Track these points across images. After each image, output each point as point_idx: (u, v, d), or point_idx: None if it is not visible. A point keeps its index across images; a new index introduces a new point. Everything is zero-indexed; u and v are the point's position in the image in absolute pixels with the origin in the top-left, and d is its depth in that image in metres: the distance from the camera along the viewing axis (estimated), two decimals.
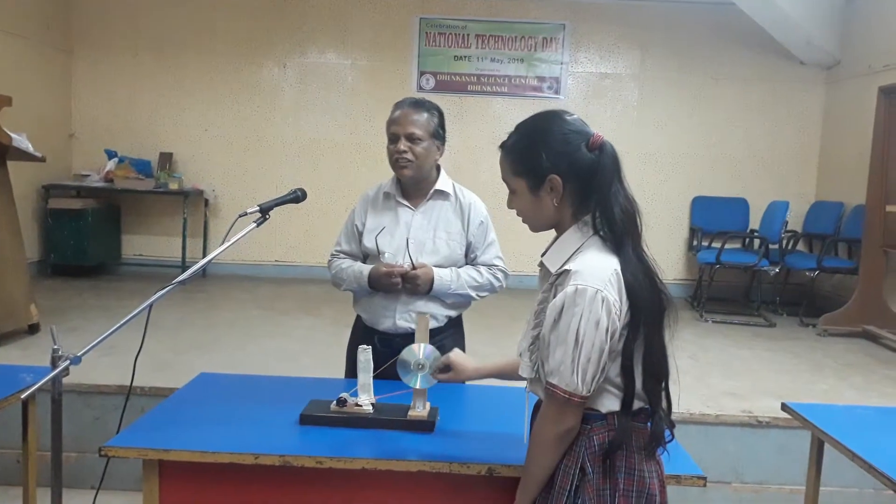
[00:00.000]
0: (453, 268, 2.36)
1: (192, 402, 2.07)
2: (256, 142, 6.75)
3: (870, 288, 5.31)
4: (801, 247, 6.45)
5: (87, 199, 6.27)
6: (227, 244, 1.87)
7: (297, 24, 6.67)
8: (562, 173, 1.47)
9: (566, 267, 1.45)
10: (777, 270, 5.88)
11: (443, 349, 2.37)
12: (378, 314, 2.37)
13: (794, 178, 6.70)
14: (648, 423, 1.49)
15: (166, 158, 6.60)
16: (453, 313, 2.41)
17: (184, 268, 6.05)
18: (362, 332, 2.43)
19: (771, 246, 5.84)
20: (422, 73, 6.68)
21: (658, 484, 1.48)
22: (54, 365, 1.58)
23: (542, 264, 1.55)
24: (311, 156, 6.75)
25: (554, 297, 1.44)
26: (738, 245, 6.48)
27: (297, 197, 2.09)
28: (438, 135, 2.33)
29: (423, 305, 2.32)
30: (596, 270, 1.40)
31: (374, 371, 1.96)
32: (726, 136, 6.73)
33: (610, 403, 1.46)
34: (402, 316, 2.33)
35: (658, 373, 1.45)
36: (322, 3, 6.66)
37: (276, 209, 1.98)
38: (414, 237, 2.34)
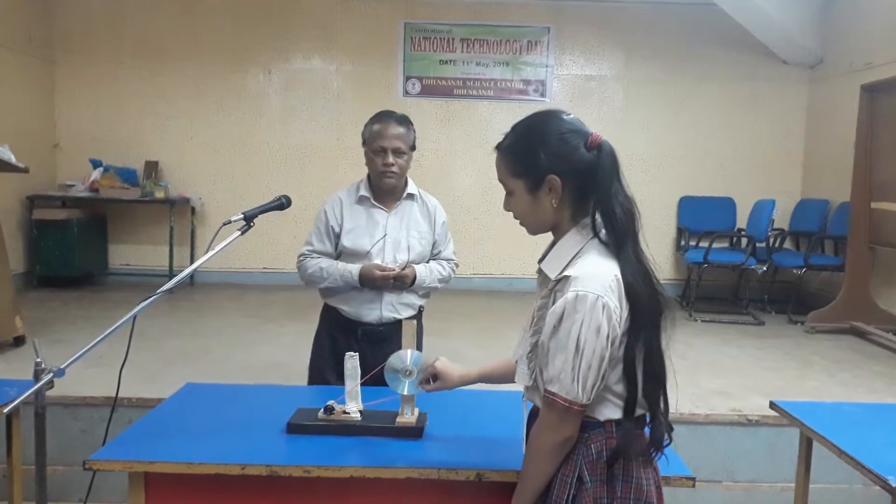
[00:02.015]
0: (425, 264, 2.63)
1: (177, 412, 2.05)
2: (242, 149, 6.72)
3: (856, 284, 5.35)
4: (787, 245, 6.49)
5: (72, 210, 6.21)
6: (211, 253, 1.86)
7: (282, 31, 6.66)
8: (561, 173, 1.44)
9: (566, 273, 1.41)
10: (764, 269, 5.92)
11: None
12: (363, 308, 2.57)
13: (779, 176, 6.74)
14: (646, 429, 1.46)
15: (152, 167, 6.56)
16: (424, 302, 2.69)
17: (171, 276, 6.00)
18: (344, 324, 2.60)
19: (758, 244, 5.87)
20: (407, 78, 6.68)
21: (655, 491, 1.45)
22: (37, 378, 1.57)
23: (540, 270, 1.52)
24: (297, 162, 6.73)
25: (553, 303, 1.41)
26: (725, 244, 6.51)
27: (282, 204, 2.09)
28: (414, 147, 2.58)
29: (405, 297, 2.59)
30: (597, 276, 1.37)
31: (362, 377, 1.96)
32: (711, 135, 6.77)
33: (609, 411, 1.43)
34: (387, 307, 2.57)
35: (658, 377, 1.42)
36: (307, 9, 6.65)
37: (262, 216, 1.97)
38: (390, 236, 2.57)
